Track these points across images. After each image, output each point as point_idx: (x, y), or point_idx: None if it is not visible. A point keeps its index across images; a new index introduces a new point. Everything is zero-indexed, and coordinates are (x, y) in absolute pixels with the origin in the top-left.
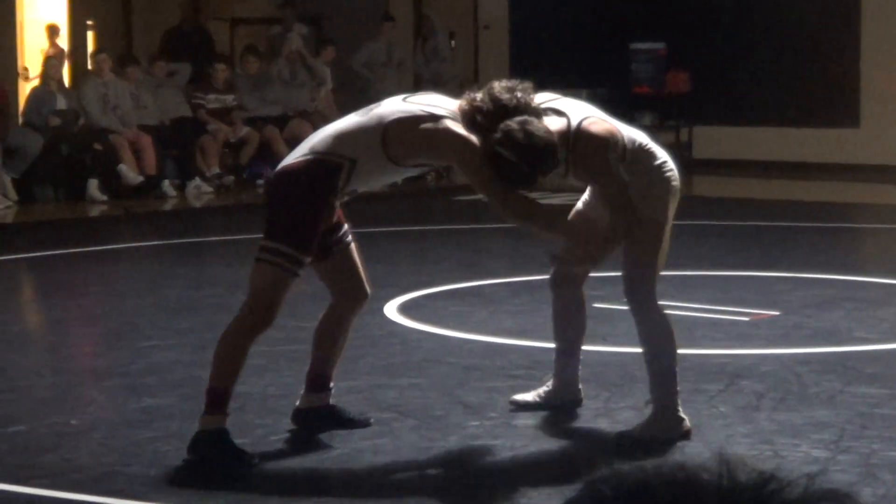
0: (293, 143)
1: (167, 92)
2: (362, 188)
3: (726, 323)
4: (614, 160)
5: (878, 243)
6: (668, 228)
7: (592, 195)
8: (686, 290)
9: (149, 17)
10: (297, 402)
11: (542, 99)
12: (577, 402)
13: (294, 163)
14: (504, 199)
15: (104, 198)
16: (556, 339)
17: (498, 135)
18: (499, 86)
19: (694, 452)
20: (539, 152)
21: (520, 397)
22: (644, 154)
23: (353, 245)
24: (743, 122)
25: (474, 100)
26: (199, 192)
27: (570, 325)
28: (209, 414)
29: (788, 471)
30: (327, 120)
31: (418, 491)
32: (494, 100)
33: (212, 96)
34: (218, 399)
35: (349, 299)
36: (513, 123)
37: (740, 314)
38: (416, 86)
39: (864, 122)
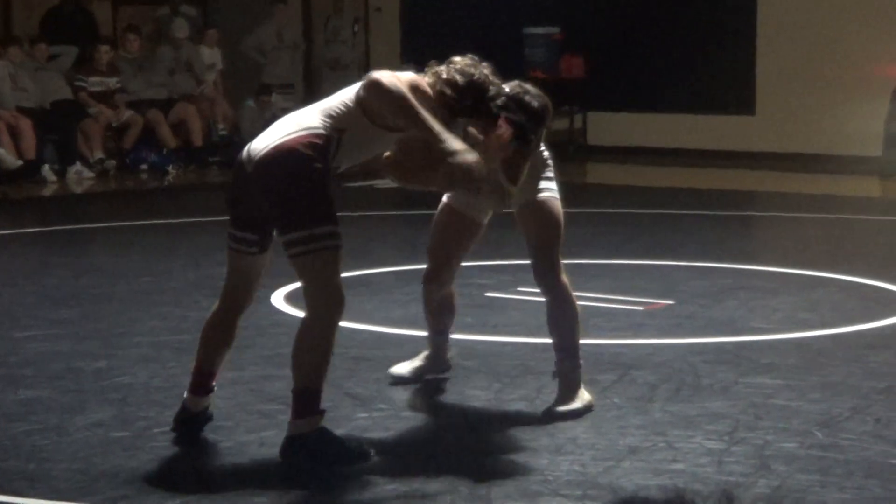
0: (178, 127)
1: (48, 74)
2: (346, 163)
3: (620, 312)
4: None
5: (773, 232)
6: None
7: None
8: (579, 278)
9: None
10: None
11: None
12: (448, 369)
13: (289, 139)
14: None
15: None
16: (432, 324)
17: (500, 101)
18: (462, 62)
19: (589, 444)
20: (543, 113)
21: (396, 370)
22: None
23: None
24: (638, 109)
25: (439, 73)
26: (80, 177)
27: (444, 313)
28: (308, 416)
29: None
30: (214, 103)
31: (304, 483)
32: (464, 73)
33: (94, 79)
34: (314, 400)
35: (242, 299)
36: (514, 87)
37: (634, 303)
38: (309, 69)
39: (759, 109)
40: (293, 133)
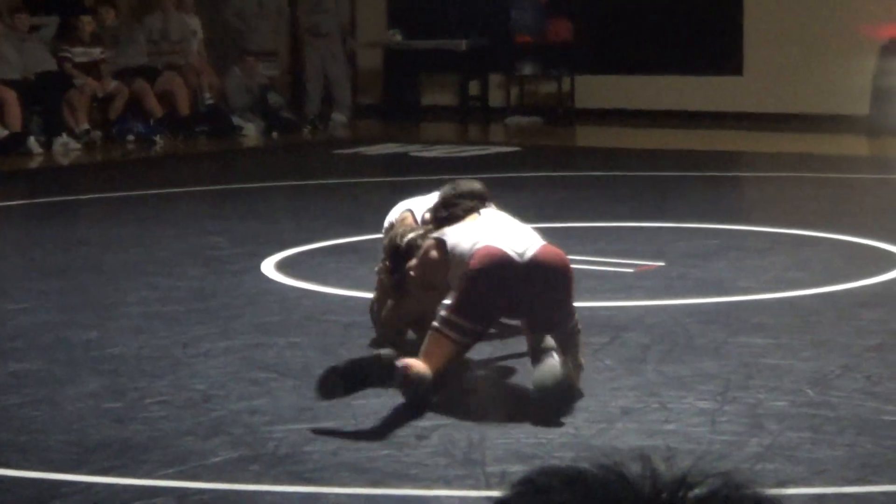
0: (164, 97)
1: (31, 45)
2: None
3: (611, 275)
4: None
5: (762, 192)
6: None
7: None
8: (570, 241)
9: None
10: None
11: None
12: None
13: None
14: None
15: None
16: None
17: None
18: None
19: (583, 409)
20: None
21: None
22: None
23: None
24: (625, 71)
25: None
26: (67, 148)
27: None
28: None
29: (703, 466)
30: (200, 72)
31: (296, 452)
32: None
33: (78, 49)
34: None
35: None
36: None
37: (625, 265)
38: (293, 37)
39: (747, 69)
40: None
